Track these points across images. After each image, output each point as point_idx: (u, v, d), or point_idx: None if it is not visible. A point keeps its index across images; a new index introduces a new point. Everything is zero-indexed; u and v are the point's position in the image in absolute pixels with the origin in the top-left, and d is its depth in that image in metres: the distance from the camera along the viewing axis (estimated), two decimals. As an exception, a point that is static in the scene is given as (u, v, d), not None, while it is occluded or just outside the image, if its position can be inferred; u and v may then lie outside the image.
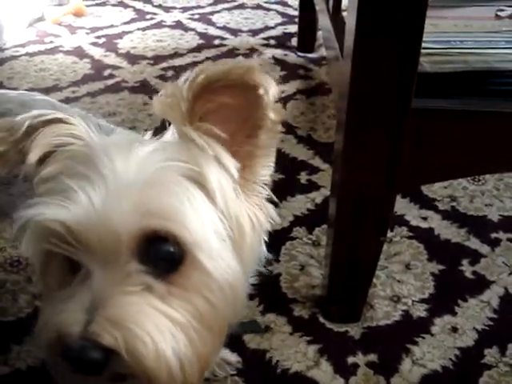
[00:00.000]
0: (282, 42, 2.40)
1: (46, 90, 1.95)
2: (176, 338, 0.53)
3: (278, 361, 1.06)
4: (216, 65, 0.57)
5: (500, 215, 1.43)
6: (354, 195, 1.00)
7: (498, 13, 1.42)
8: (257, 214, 0.62)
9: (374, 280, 1.17)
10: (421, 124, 0.98)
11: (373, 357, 1.07)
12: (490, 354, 1.08)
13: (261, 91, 0.56)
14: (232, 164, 0.59)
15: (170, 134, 0.63)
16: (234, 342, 1.06)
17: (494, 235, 1.36)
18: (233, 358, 1.04)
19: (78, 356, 0.50)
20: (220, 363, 1.03)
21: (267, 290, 1.16)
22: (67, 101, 1.90)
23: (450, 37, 1.16)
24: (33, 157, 0.59)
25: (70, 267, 0.57)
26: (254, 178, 0.62)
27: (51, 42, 2.39)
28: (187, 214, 0.54)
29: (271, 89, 0.56)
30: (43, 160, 0.60)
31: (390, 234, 1.33)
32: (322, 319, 1.14)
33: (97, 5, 2.81)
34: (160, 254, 0.54)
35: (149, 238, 0.54)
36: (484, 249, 1.32)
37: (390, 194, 1.01)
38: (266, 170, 0.63)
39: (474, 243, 1.34)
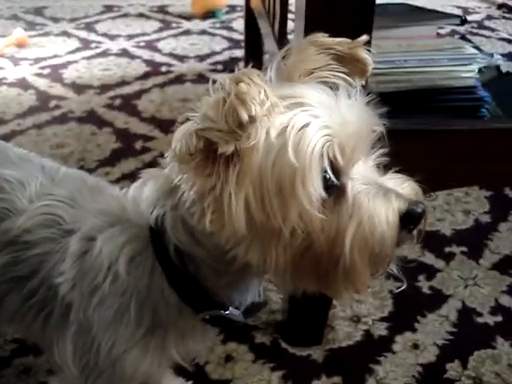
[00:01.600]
0: (229, 66, 2.41)
1: (-9, 124, 1.91)
2: None
3: (242, 390, 1.04)
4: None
5: (452, 229, 1.45)
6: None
7: (439, 31, 1.46)
8: None
9: (334, 301, 1.16)
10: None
11: (337, 379, 1.07)
12: (452, 368, 1.09)
13: (366, 66, 0.68)
14: None
15: None
16: (195, 372, 1.04)
17: (447, 249, 1.38)
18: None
19: (420, 213, 0.61)
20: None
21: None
22: (13, 134, 1.85)
23: (393, 57, 1.18)
24: None
25: None
26: None
27: (-6, 74, 2.34)
28: None
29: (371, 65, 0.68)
30: None
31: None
32: (284, 344, 1.13)
33: (40, 35, 2.77)
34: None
35: None
36: (439, 263, 1.34)
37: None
38: None
39: (429, 258, 1.36)
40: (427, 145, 1.07)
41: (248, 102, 0.52)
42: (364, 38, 0.69)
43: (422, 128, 1.08)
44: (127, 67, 2.41)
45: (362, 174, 0.61)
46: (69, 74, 2.34)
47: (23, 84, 2.24)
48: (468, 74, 1.15)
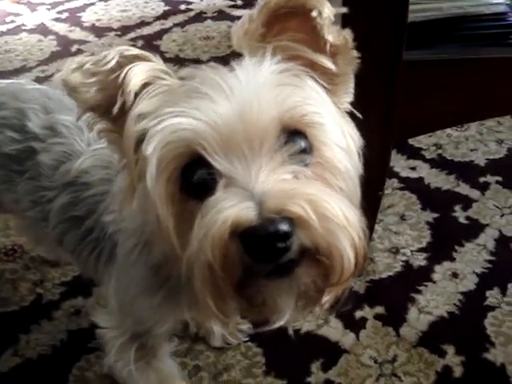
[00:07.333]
0: (249, 0, 2.35)
1: (15, 72, 1.91)
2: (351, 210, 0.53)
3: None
4: None
5: (486, 159, 1.44)
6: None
7: (470, -44, 1.41)
8: (351, 132, 0.62)
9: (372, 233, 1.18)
10: (405, 76, 0.98)
11: (380, 309, 1.09)
12: (492, 296, 1.11)
13: (314, 13, 0.55)
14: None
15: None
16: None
17: (482, 179, 1.38)
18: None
19: (268, 232, 0.47)
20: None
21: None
22: (38, 81, 1.84)
23: (422, -16, 1.15)
24: (135, 83, 0.56)
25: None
26: (337, 104, 0.62)
27: (12, 21, 2.31)
28: (320, 110, 0.56)
29: (325, 10, 0.55)
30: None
31: (381, 187, 1.34)
32: (325, 278, 1.15)
33: (54, -22, 2.72)
34: (295, 147, 0.54)
35: (286, 132, 0.54)
36: (474, 193, 1.34)
37: (385, 150, 1.02)
38: (346, 96, 0.62)
39: (464, 189, 1.36)
40: (458, 75, 1.05)
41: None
42: None
43: (453, 58, 1.07)
44: (145, 7, 2.37)
45: (241, 174, 0.51)
46: (87, 17, 2.31)
47: (43, 30, 2.23)
48: (498, -1, 1.12)
